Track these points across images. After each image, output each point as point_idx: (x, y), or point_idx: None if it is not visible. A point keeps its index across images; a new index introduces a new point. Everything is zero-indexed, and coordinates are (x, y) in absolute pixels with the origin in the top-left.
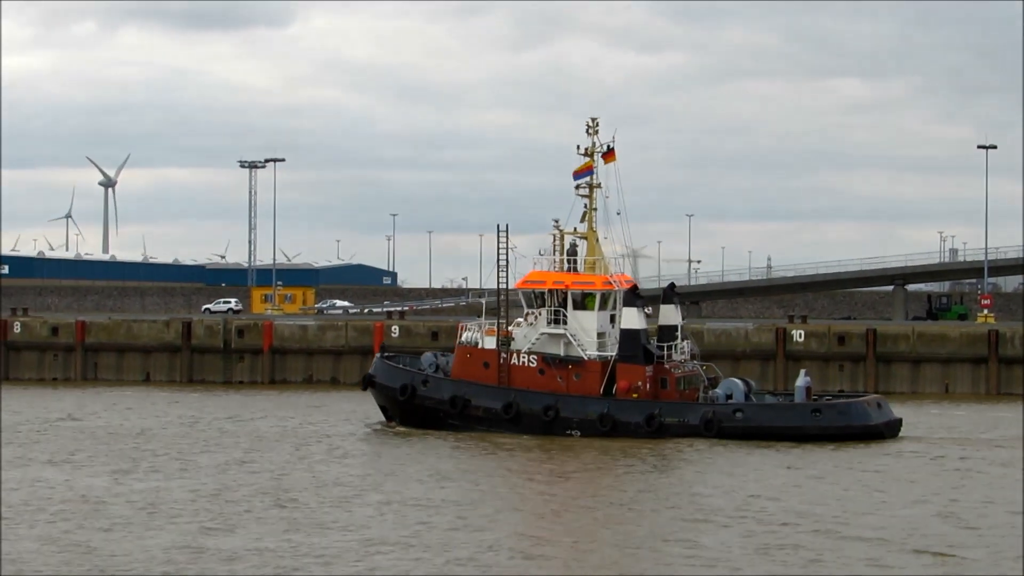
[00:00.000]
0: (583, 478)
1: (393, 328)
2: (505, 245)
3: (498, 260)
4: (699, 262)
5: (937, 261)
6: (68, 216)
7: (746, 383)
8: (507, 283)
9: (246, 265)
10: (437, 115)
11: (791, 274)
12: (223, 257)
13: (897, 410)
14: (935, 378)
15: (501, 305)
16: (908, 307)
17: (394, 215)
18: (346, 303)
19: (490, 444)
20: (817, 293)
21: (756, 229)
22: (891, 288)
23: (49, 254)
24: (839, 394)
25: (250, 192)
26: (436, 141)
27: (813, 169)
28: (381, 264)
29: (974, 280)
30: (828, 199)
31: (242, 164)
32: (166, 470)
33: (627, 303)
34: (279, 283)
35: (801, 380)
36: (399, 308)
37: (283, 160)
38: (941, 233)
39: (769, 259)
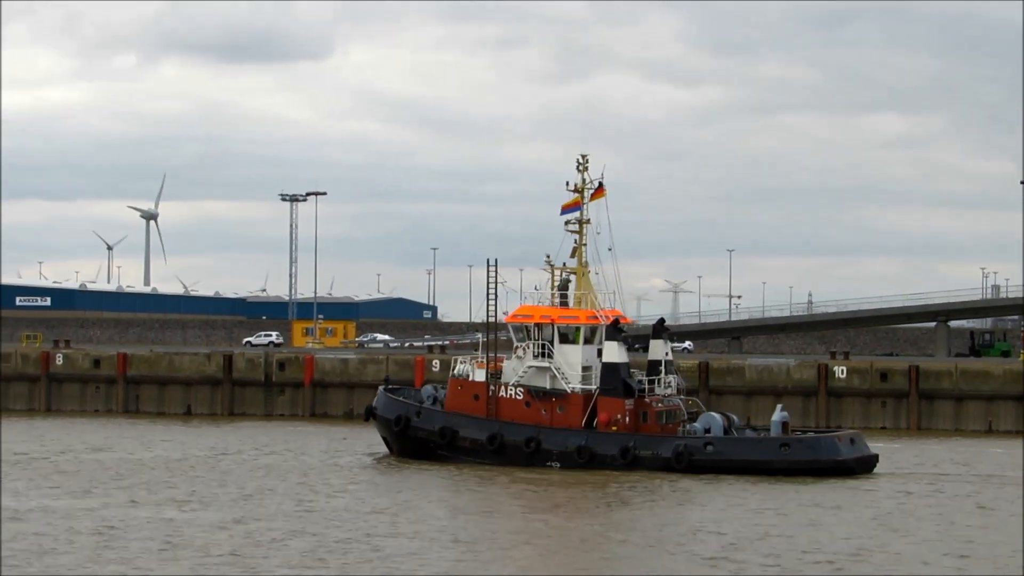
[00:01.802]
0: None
1: (434, 362)
2: (495, 279)
3: (487, 294)
4: (740, 297)
5: (979, 297)
6: (109, 248)
7: (727, 417)
8: (495, 317)
9: (287, 298)
10: (477, 149)
11: (833, 310)
12: (264, 291)
13: (894, 446)
14: (978, 415)
15: (489, 339)
16: (951, 344)
17: (434, 249)
18: (387, 337)
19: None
20: (859, 329)
21: (795, 264)
22: (934, 324)
23: (91, 286)
24: (817, 430)
25: (291, 225)
26: (476, 175)
27: (852, 204)
28: (421, 298)
29: (1017, 316)
30: (867, 234)
31: (283, 197)
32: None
33: (609, 337)
34: (320, 316)
35: (777, 415)
36: (440, 342)
37: (324, 193)
38: (983, 269)
39: (810, 295)
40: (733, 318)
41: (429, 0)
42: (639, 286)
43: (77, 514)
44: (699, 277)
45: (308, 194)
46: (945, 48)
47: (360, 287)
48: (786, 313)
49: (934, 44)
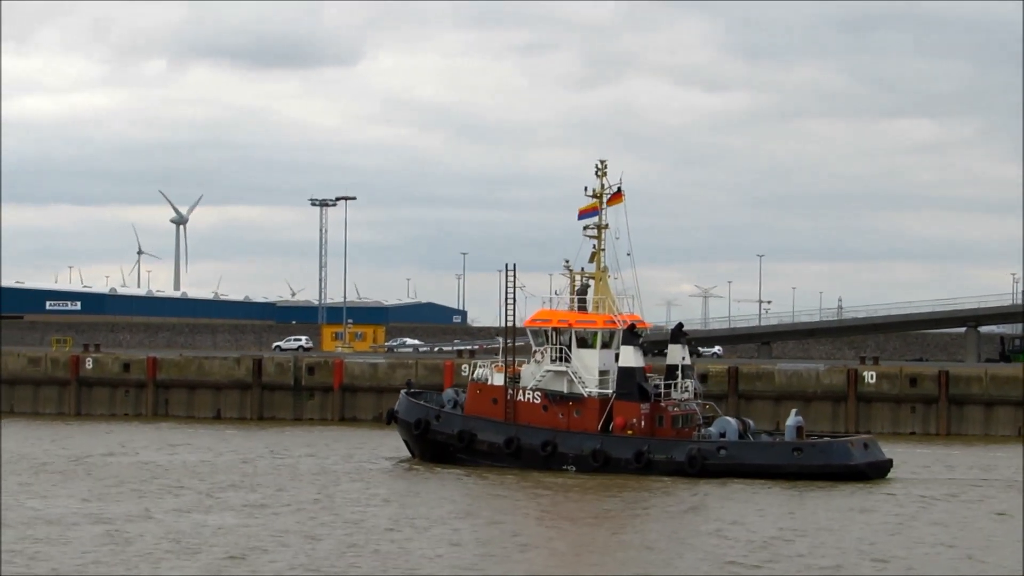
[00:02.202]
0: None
1: (463, 367)
2: (512, 284)
3: (505, 298)
4: (770, 302)
5: (1010, 303)
6: (139, 253)
7: (742, 422)
8: (514, 321)
9: (316, 303)
10: (506, 154)
11: (862, 315)
12: (293, 295)
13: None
14: (1008, 421)
15: (508, 343)
16: (981, 349)
17: (464, 254)
18: (416, 341)
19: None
20: (889, 334)
21: (825, 269)
22: (963, 330)
23: (121, 291)
24: (832, 435)
25: (321, 230)
26: (505, 180)
27: (882, 209)
28: (451, 303)
29: None
30: (897, 239)
31: (313, 202)
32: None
33: (625, 342)
34: (349, 321)
35: (791, 420)
36: (469, 347)
37: (354, 198)
38: (1014, 275)
39: (840, 300)
40: (763, 323)
41: (458, 0)
42: (669, 291)
43: (90, 517)
44: (729, 282)
45: (338, 199)
46: (975, 53)
47: (389, 292)
48: (816, 318)
49: (963, 49)
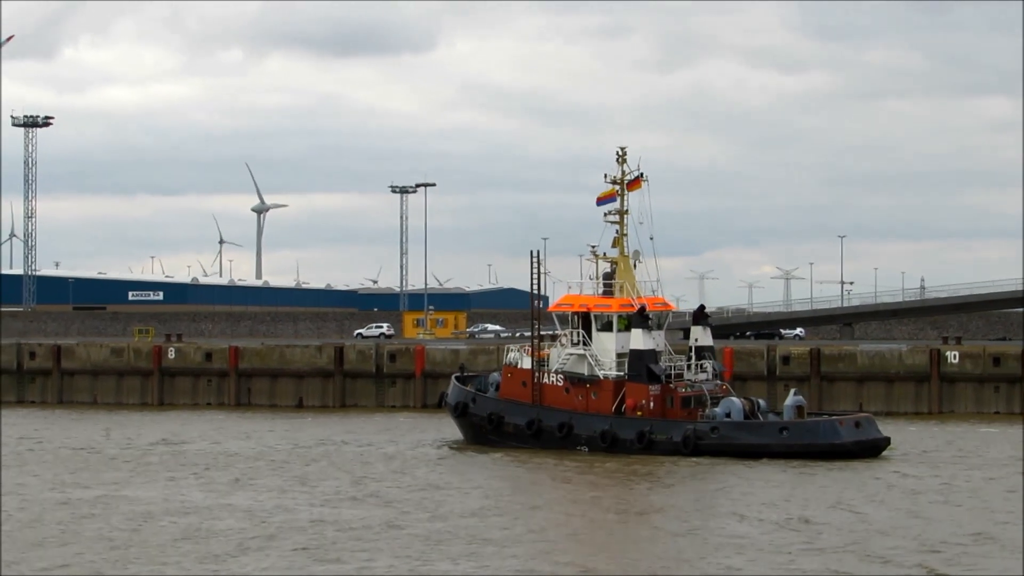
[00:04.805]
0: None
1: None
2: (538, 269)
3: (531, 284)
4: (851, 283)
5: None
6: (221, 242)
7: (750, 401)
8: (540, 305)
9: (398, 290)
10: (584, 138)
11: (945, 295)
12: (375, 282)
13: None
14: None
15: (535, 327)
16: None
17: (545, 239)
18: (498, 327)
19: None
20: (972, 314)
21: (908, 249)
22: None
23: (203, 280)
24: (834, 413)
25: (401, 217)
26: (584, 164)
27: (964, 188)
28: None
29: None
30: (979, 218)
31: (393, 189)
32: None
33: (635, 325)
34: (431, 307)
35: (791, 399)
36: (551, 331)
37: (434, 185)
38: None
39: (923, 280)
40: (845, 304)
41: None
42: (750, 273)
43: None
44: (810, 264)
45: (418, 186)
46: None
47: (471, 278)
48: (898, 299)
49: None
